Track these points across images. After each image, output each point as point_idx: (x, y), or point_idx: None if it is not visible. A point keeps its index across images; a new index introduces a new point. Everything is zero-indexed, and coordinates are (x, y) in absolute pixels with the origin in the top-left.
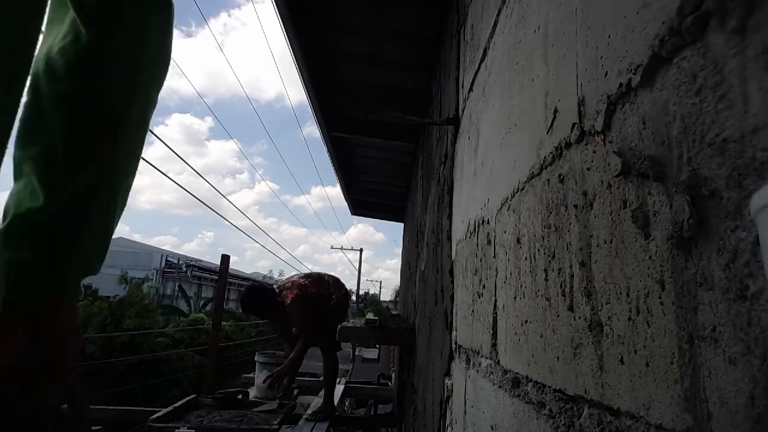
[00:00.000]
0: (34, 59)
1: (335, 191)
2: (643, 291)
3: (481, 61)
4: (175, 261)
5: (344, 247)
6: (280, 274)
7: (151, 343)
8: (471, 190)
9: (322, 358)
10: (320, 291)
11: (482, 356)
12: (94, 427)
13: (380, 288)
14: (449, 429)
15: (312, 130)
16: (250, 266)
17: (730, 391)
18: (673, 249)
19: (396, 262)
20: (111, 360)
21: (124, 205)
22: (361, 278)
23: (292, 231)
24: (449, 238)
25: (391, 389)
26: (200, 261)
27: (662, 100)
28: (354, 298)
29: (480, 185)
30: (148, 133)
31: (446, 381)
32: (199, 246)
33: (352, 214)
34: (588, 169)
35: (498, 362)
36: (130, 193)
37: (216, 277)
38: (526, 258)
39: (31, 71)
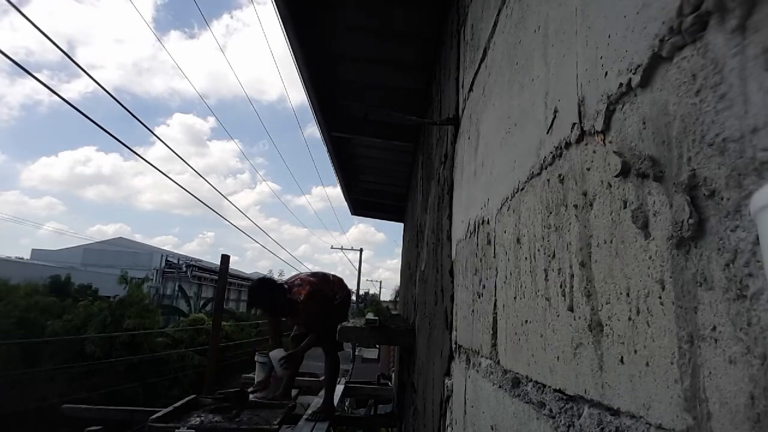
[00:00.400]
0: None
1: (336, 191)
2: (643, 291)
3: (481, 61)
4: (175, 261)
5: (344, 247)
6: (281, 273)
7: (151, 343)
8: (471, 190)
9: (323, 357)
10: (326, 290)
11: (482, 356)
12: (94, 427)
13: (380, 288)
14: (449, 429)
15: (313, 131)
16: (250, 266)
17: (730, 391)
18: (673, 249)
19: (396, 262)
20: (111, 360)
21: None
22: (362, 278)
23: (293, 231)
24: (449, 238)
25: (391, 389)
26: (200, 261)
27: (662, 100)
28: (354, 298)
29: (480, 185)
30: (149, 133)
31: (446, 381)
32: (200, 246)
33: (352, 214)
34: (588, 169)
35: (498, 362)
36: (132, 194)
37: (216, 277)
38: (526, 258)
39: None
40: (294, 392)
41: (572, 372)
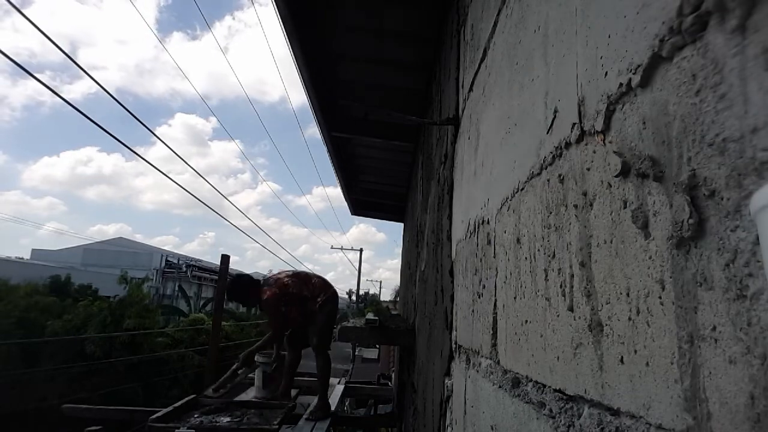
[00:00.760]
0: None
1: (336, 191)
2: (643, 291)
3: (481, 61)
4: (175, 261)
5: (344, 247)
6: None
7: (151, 343)
8: (471, 190)
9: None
10: (302, 292)
11: (482, 356)
12: (94, 427)
13: (380, 288)
14: (449, 429)
15: (314, 131)
16: (250, 266)
17: (730, 391)
18: (673, 249)
19: (397, 262)
20: (111, 360)
21: None
22: (362, 278)
23: (294, 231)
24: (449, 238)
25: (391, 389)
26: (200, 261)
27: (662, 100)
28: (354, 298)
29: (480, 185)
30: (150, 133)
31: (446, 381)
32: (201, 246)
33: (352, 214)
34: (588, 169)
35: (498, 362)
36: (132, 194)
37: (216, 277)
38: (526, 258)
39: None
40: (294, 392)
41: (572, 372)
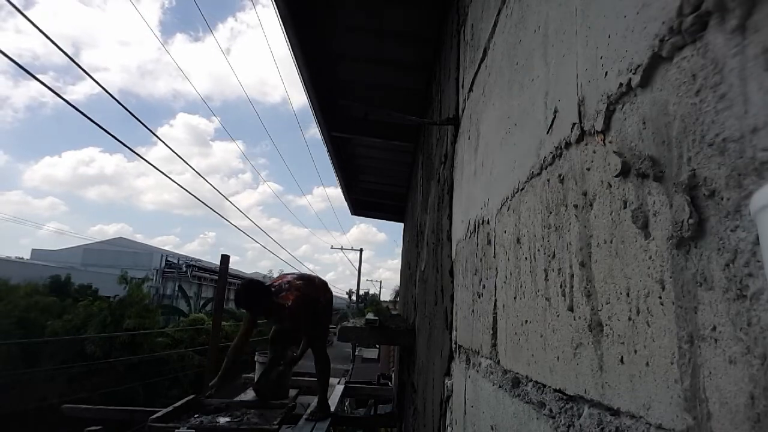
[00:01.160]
0: None
1: (337, 192)
2: (643, 291)
3: (481, 61)
4: (175, 261)
5: (344, 247)
6: (280, 273)
7: (151, 343)
8: (471, 190)
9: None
10: (312, 294)
11: (482, 356)
12: (94, 427)
13: (380, 288)
14: (449, 429)
15: (315, 132)
16: (251, 266)
17: (730, 391)
18: (673, 249)
19: (397, 262)
20: (111, 360)
21: None
22: (362, 278)
23: (294, 231)
24: (449, 238)
25: (391, 389)
26: (200, 261)
27: (662, 100)
28: (354, 298)
29: (480, 185)
30: (151, 134)
31: (446, 381)
32: (201, 246)
33: (352, 214)
34: (588, 169)
35: (498, 362)
36: (134, 195)
37: (216, 277)
38: (526, 258)
39: None
40: (294, 392)
41: (572, 372)
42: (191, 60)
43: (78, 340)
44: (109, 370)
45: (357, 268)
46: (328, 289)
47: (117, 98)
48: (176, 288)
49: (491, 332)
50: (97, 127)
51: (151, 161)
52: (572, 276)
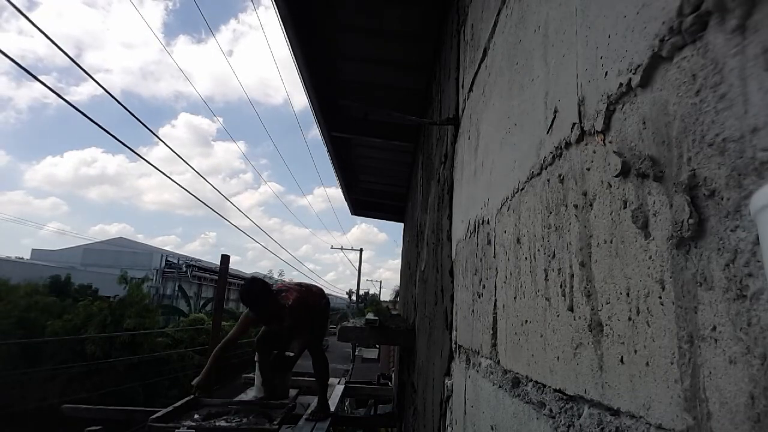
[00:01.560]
0: None
1: (337, 192)
2: (643, 291)
3: (481, 61)
4: (175, 261)
5: (344, 248)
6: (281, 274)
7: (151, 343)
8: (471, 190)
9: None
10: (310, 298)
11: (482, 356)
12: (94, 427)
13: (380, 288)
14: (449, 429)
15: (317, 133)
16: (251, 266)
17: (730, 391)
18: (673, 249)
19: (397, 262)
20: (111, 360)
21: None
22: (363, 278)
23: (295, 231)
24: (449, 238)
25: (391, 389)
26: (200, 261)
27: (662, 100)
28: (354, 298)
29: (480, 185)
30: (150, 134)
31: (446, 381)
32: (202, 246)
33: (352, 214)
34: (588, 169)
35: (498, 362)
36: (135, 195)
37: (216, 277)
38: (526, 258)
39: None
40: (293, 392)
41: (572, 372)
42: (194, 61)
43: (78, 340)
44: (109, 370)
45: (357, 268)
46: (325, 296)
47: (118, 99)
48: (176, 288)
49: (491, 332)
50: (100, 128)
51: (153, 161)
52: (572, 276)
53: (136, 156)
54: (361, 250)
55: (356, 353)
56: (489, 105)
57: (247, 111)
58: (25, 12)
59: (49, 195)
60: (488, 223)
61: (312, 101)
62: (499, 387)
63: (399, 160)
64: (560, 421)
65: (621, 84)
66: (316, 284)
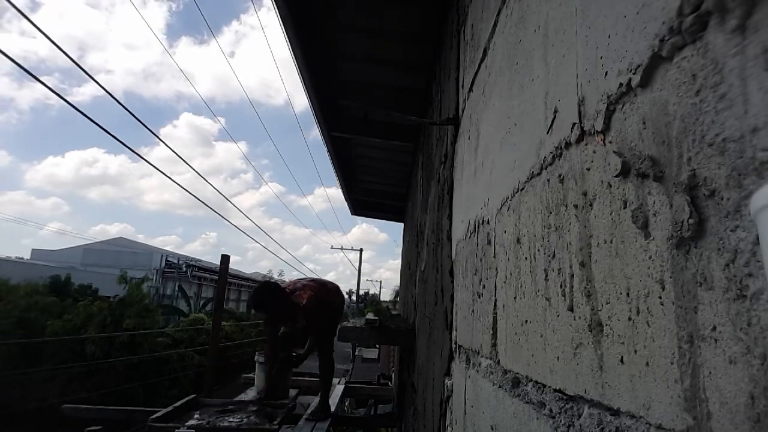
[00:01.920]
0: None
1: (338, 192)
2: (643, 291)
3: (481, 61)
4: (175, 261)
5: (344, 247)
6: (280, 274)
7: (151, 343)
8: (471, 190)
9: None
10: (324, 296)
11: (482, 356)
12: (94, 427)
13: (380, 288)
14: (449, 429)
15: (318, 134)
16: (251, 266)
17: (730, 391)
18: (673, 249)
19: (397, 262)
20: (111, 360)
21: None
22: (363, 278)
23: (296, 231)
24: (449, 238)
25: (391, 389)
26: (200, 261)
27: (662, 100)
28: (354, 298)
29: (480, 185)
30: (151, 135)
31: (446, 381)
32: (203, 246)
33: (352, 214)
34: (588, 169)
35: (498, 362)
36: (136, 195)
37: (216, 277)
38: (526, 258)
39: None
40: (293, 392)
41: (572, 372)
42: (197, 61)
43: (78, 340)
44: (109, 370)
45: (357, 268)
46: (340, 294)
47: (118, 99)
48: (176, 288)
49: (491, 332)
50: (101, 128)
51: (155, 161)
52: (572, 276)
53: (138, 156)
54: (360, 250)
55: (356, 353)
56: (489, 105)
57: (249, 111)
58: (27, 13)
59: (50, 195)
60: (488, 223)
61: (312, 101)
62: (499, 387)
63: (399, 160)
64: (560, 421)
65: (621, 84)
66: (332, 282)
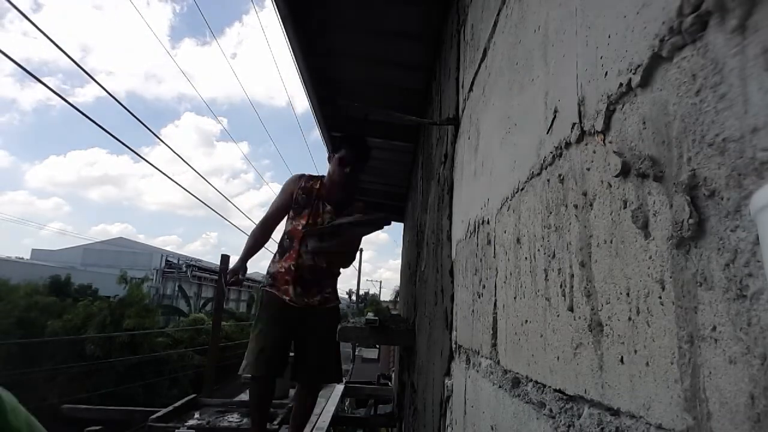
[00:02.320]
0: None
1: None
2: (643, 291)
3: (481, 61)
4: (175, 261)
5: None
6: None
7: (151, 342)
8: (471, 190)
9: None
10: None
11: (482, 356)
12: (94, 427)
13: (380, 288)
14: (449, 429)
15: (318, 134)
16: (252, 266)
17: (730, 391)
18: (673, 249)
19: (398, 263)
20: (111, 360)
21: None
22: (363, 278)
23: None
24: (449, 238)
25: (391, 389)
26: (200, 261)
27: (662, 100)
28: (354, 298)
29: (480, 185)
30: (152, 135)
31: (446, 381)
32: (203, 246)
33: None
34: (588, 169)
35: (498, 362)
36: (137, 195)
37: (216, 277)
38: (526, 258)
39: None
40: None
41: (572, 372)
42: (201, 62)
43: (78, 340)
44: (109, 370)
45: (357, 268)
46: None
47: (118, 99)
48: (176, 288)
49: (491, 332)
50: (101, 129)
51: (157, 161)
52: (572, 276)
53: (138, 156)
54: (361, 250)
55: (356, 353)
56: (489, 105)
57: (252, 111)
58: (30, 13)
59: (51, 195)
60: (488, 223)
61: (311, 101)
62: (499, 387)
63: (399, 160)
64: (560, 421)
65: (621, 84)
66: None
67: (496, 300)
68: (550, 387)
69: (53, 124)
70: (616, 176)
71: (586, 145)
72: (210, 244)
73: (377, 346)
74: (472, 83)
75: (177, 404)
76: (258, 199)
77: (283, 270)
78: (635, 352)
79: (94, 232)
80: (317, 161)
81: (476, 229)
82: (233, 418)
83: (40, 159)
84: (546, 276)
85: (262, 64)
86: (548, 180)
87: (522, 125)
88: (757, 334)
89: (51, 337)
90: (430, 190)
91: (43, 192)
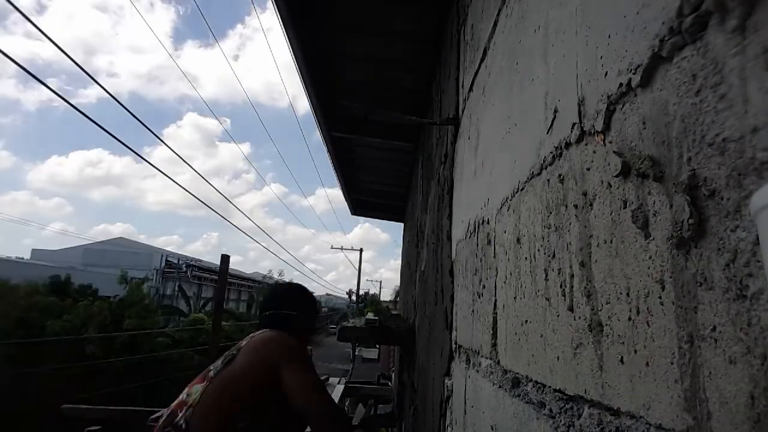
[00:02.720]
0: None
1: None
2: (643, 291)
3: (481, 61)
4: (175, 261)
5: (344, 248)
6: (280, 274)
7: (151, 343)
8: (471, 190)
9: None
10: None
11: (482, 356)
12: (94, 427)
13: (380, 288)
14: (449, 429)
15: (318, 135)
16: (252, 266)
17: (730, 391)
18: (673, 249)
19: (398, 263)
20: (111, 360)
21: None
22: (363, 278)
23: (297, 232)
24: (449, 238)
25: (391, 389)
26: (200, 261)
27: (662, 100)
28: (354, 298)
29: (480, 185)
30: (154, 136)
31: (446, 381)
32: (204, 246)
33: (352, 214)
34: (588, 169)
35: (498, 362)
36: (139, 195)
37: (216, 277)
38: (526, 258)
39: None
40: None
41: (572, 372)
42: (204, 63)
43: (78, 340)
44: (109, 370)
45: (357, 268)
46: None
47: (119, 100)
48: (176, 288)
49: (491, 332)
50: (103, 130)
51: (159, 162)
52: (572, 276)
53: (139, 156)
54: (361, 251)
55: (356, 353)
56: (489, 105)
57: (253, 112)
58: (33, 15)
59: (53, 195)
60: (488, 223)
61: (312, 101)
62: (499, 387)
63: (399, 160)
64: (560, 421)
65: (621, 84)
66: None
67: (496, 300)
68: (550, 387)
69: (57, 124)
70: (616, 176)
71: (586, 145)
72: (211, 245)
73: (377, 346)
74: (472, 83)
75: None
76: (259, 199)
77: None
78: (635, 352)
79: (96, 232)
80: (318, 162)
81: (476, 229)
82: None
83: (42, 159)
84: (546, 276)
85: (265, 65)
86: (548, 180)
87: (522, 125)
88: (757, 334)
89: (51, 337)
90: (430, 190)
91: (45, 192)
